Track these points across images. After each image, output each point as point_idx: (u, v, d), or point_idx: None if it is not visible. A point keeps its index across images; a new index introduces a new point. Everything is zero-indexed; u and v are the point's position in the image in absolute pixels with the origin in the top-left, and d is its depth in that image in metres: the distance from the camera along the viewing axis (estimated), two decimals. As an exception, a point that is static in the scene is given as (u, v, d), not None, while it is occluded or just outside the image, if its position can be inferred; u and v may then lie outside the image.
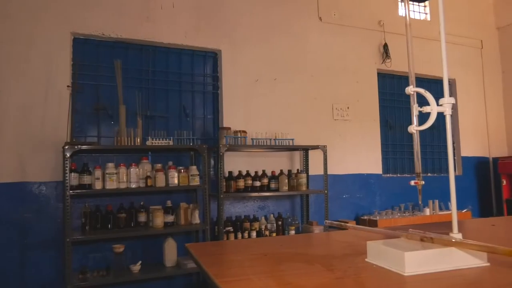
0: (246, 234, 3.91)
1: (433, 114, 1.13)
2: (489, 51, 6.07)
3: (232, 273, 1.14)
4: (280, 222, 4.13)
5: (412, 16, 5.61)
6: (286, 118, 4.45)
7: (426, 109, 1.14)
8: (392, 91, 5.28)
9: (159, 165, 3.57)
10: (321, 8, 4.82)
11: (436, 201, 4.95)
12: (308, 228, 4.08)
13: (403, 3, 5.46)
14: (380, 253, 1.14)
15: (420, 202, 1.18)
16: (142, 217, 3.52)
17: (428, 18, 5.69)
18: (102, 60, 3.78)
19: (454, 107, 5.76)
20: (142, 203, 3.57)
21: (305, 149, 4.38)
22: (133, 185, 3.39)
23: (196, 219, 3.67)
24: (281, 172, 4.16)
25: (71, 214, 3.12)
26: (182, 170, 3.64)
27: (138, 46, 3.96)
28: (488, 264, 1.08)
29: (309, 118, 4.58)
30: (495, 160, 5.69)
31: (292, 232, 4.09)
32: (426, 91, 1.16)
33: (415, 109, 1.16)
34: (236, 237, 3.86)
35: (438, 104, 1.16)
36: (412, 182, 1.17)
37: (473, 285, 0.94)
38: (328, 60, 4.79)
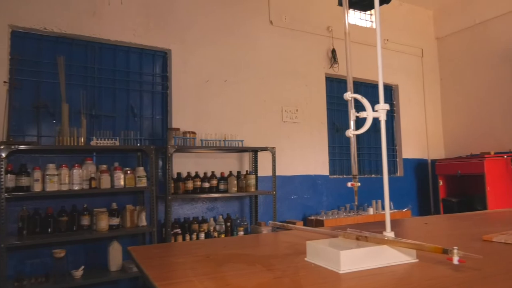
0: (194, 236, 3.89)
1: (369, 119, 1.19)
2: (428, 59, 6.44)
3: (173, 275, 1.13)
4: (229, 223, 4.14)
5: (359, 23, 5.83)
6: (236, 120, 4.47)
7: (362, 114, 1.20)
8: (340, 95, 5.46)
9: (104, 166, 3.46)
10: (272, 12, 4.89)
11: (380, 201, 5.17)
12: (256, 229, 4.12)
13: (351, 11, 5.66)
14: (318, 252, 1.19)
15: (356, 203, 1.23)
16: (85, 220, 3.39)
17: (374, 26, 5.94)
18: (44, 56, 3.61)
19: (397, 112, 6.07)
20: (85, 205, 3.44)
21: (254, 151, 4.43)
22: (76, 187, 3.26)
23: (143, 222, 3.60)
24: (230, 174, 4.17)
25: (6, 218, 2.95)
26: (129, 172, 3.55)
27: (83, 42, 3.82)
28: (417, 260, 1.15)
29: (258, 120, 4.63)
30: (433, 162, 6.04)
31: (241, 233, 4.12)
32: (363, 98, 1.21)
33: (353, 114, 1.22)
34: (184, 239, 3.82)
35: (374, 110, 1.21)
36: (349, 184, 1.22)
37: (402, 280, 1.00)
38: (278, 63, 4.87)
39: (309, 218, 4.73)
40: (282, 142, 4.73)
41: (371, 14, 5.95)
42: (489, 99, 5.76)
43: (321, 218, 4.58)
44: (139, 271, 1.24)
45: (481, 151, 5.59)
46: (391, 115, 6.09)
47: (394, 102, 6.08)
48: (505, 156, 5.38)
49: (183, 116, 4.18)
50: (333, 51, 5.22)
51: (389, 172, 5.95)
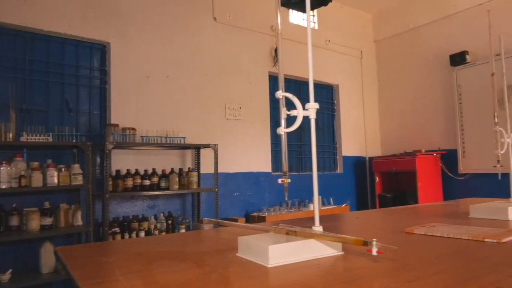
0: (134, 235, 3.80)
1: (299, 118, 1.23)
2: (367, 61, 6.72)
3: (100, 275, 1.10)
4: (170, 221, 4.09)
5: (301, 23, 5.96)
6: (178, 116, 4.41)
7: (293, 112, 1.23)
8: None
9: (36, 164, 3.29)
10: (216, 8, 4.87)
11: (320, 197, 5.33)
12: (198, 226, 4.10)
13: (294, 11, 5.78)
14: (249, 248, 1.21)
15: (286, 199, 1.27)
16: (14, 221, 3.20)
17: (316, 27, 6.11)
18: (-33, 45, 3.35)
19: (337, 111, 6.28)
20: (14, 205, 3.24)
21: (197, 148, 4.40)
22: (4, 186, 3.07)
23: (78, 221, 3.46)
24: (172, 171, 4.12)
25: None
26: (63, 169, 3.39)
27: (13, 31, 3.59)
28: (342, 253, 1.20)
29: (201, 116, 4.60)
30: (371, 159, 6.33)
31: (183, 230, 4.08)
32: (294, 96, 1.25)
33: (284, 113, 1.25)
34: (123, 238, 3.72)
35: (304, 108, 1.25)
36: (279, 180, 1.25)
37: (325, 271, 1.04)
38: (222, 60, 4.87)
39: (252, 214, 4.78)
40: (225, 139, 4.74)
41: (313, 15, 6.10)
42: (422, 100, 6.13)
43: (263, 215, 4.64)
44: (65, 272, 1.20)
45: (414, 149, 5.95)
46: (332, 114, 6.29)
47: (335, 102, 6.30)
48: (435, 154, 5.76)
49: (123, 111, 4.06)
50: (276, 49, 5.29)
51: (330, 169, 6.16)
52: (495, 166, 1.96)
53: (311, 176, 1.24)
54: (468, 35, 5.47)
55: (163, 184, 4.02)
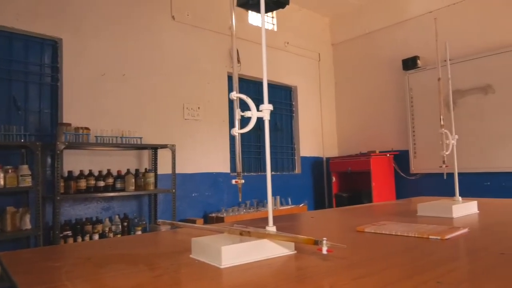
0: (87, 238, 3.67)
1: (253, 119, 1.24)
2: (325, 63, 6.87)
3: (45, 280, 1.06)
4: (126, 223, 4.00)
5: (260, 25, 5.99)
6: (134, 116, 4.32)
7: (247, 113, 1.24)
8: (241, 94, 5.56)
9: (-21, 164, 3.11)
10: (174, 7, 4.81)
11: (278, 197, 5.39)
12: (155, 227, 4.03)
13: (253, 12, 5.81)
14: (203, 249, 1.20)
15: (240, 200, 1.28)
16: (-46, 225, 3.01)
17: (275, 29, 6.17)
18: None
19: (295, 112, 6.37)
20: (-46, 208, 3.05)
21: (154, 148, 4.32)
22: None
23: (27, 225, 3.31)
24: (128, 172, 4.02)
25: None
26: (10, 170, 3.24)
27: (-46, 24, 3.38)
28: (295, 252, 1.22)
29: (159, 116, 4.53)
30: (328, 159, 6.47)
31: (139, 232, 3.99)
32: (248, 98, 1.25)
33: (238, 114, 1.25)
34: (75, 241, 3.59)
35: (258, 110, 1.26)
36: (233, 181, 1.25)
37: (277, 271, 1.06)
38: (181, 59, 4.81)
39: (210, 215, 4.76)
40: (183, 140, 4.69)
41: (272, 17, 6.16)
42: (376, 103, 6.34)
43: (221, 215, 4.63)
44: (7, 278, 1.14)
45: (369, 150, 6.14)
46: (291, 115, 6.38)
47: (293, 103, 6.39)
48: (388, 155, 5.97)
49: (76, 110, 3.92)
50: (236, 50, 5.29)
51: (288, 169, 6.23)
52: (441, 167, 2.06)
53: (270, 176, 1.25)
54: (419, 41, 5.71)
55: (118, 185, 3.92)
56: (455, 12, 5.41)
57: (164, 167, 4.41)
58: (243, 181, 1.26)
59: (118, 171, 3.97)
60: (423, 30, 5.65)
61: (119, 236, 3.88)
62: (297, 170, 6.35)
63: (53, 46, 3.96)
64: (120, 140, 3.96)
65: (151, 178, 4.11)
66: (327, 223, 2.03)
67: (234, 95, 1.25)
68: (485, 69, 5.04)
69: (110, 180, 3.89)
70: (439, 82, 2.12)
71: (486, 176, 5.06)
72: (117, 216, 3.99)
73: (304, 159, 6.38)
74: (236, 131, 1.24)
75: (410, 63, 5.78)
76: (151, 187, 4.10)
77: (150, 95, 4.48)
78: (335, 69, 7.04)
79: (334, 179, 6.23)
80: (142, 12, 4.52)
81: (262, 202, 5.25)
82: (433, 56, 5.66)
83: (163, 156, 4.41)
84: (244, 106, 1.25)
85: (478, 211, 2.05)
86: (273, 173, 5.89)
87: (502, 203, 2.49)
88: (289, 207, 5.48)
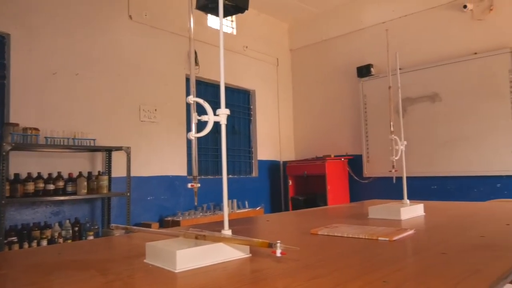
0: (35, 244, 3.51)
1: (209, 123, 1.24)
2: (283, 68, 6.98)
3: (-12, 289, 1.01)
4: (77, 228, 3.86)
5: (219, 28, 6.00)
6: (88, 117, 4.19)
7: (204, 118, 1.24)
8: (199, 97, 5.53)
9: None
10: (131, 6, 4.72)
11: (235, 200, 5.40)
12: (108, 232, 3.91)
13: (212, 15, 5.80)
14: (157, 253, 1.19)
15: (196, 204, 1.27)
16: None
17: (234, 33, 6.19)
18: None
19: (253, 115, 6.42)
20: None
21: (108, 150, 4.21)
22: None
23: (-32, 230, 3.11)
24: (80, 174, 3.89)
25: None
26: (-50, 172, 3.03)
27: None
28: (250, 255, 1.24)
29: (114, 118, 4.41)
30: (285, 163, 6.56)
31: (91, 237, 3.87)
32: (205, 102, 1.26)
33: (194, 117, 1.25)
34: (22, 248, 3.43)
35: (215, 114, 1.27)
36: (189, 185, 1.25)
37: (232, 274, 1.07)
38: (137, 60, 4.72)
39: (166, 219, 4.69)
40: (139, 142, 4.60)
41: (232, 21, 6.18)
42: (332, 108, 6.51)
43: (177, 219, 4.58)
44: None
45: (324, 154, 6.29)
46: (249, 119, 6.42)
47: (252, 106, 6.43)
48: (342, 159, 6.14)
49: (24, 110, 3.75)
50: (194, 53, 5.26)
51: (245, 173, 6.26)
52: (391, 171, 2.15)
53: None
54: (373, 50, 5.94)
55: (69, 189, 3.78)
56: (406, 24, 5.67)
57: (118, 170, 4.30)
58: (199, 185, 1.26)
59: (70, 174, 3.83)
60: (377, 39, 5.88)
61: (69, 241, 3.74)
62: (255, 173, 6.39)
63: (0, 42, 3.77)
64: (72, 141, 3.83)
65: (104, 181, 3.99)
66: (282, 226, 2.06)
67: (191, 99, 1.25)
68: (433, 79, 5.32)
69: (61, 183, 3.74)
70: (390, 90, 2.22)
71: (433, 180, 5.33)
72: (67, 221, 3.85)
73: (261, 162, 6.43)
74: (193, 135, 1.24)
75: (364, 71, 5.99)
76: (105, 191, 3.98)
77: (105, 96, 4.36)
78: (293, 74, 7.16)
79: (290, 182, 6.33)
80: (98, 9, 4.40)
81: (219, 205, 5.23)
82: (385, 65, 5.92)
83: (118, 159, 4.30)
84: (202, 110, 1.26)
85: (424, 213, 2.16)
86: (230, 176, 5.89)
87: (446, 206, 2.64)
88: (246, 210, 5.50)
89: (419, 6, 5.57)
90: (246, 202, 5.58)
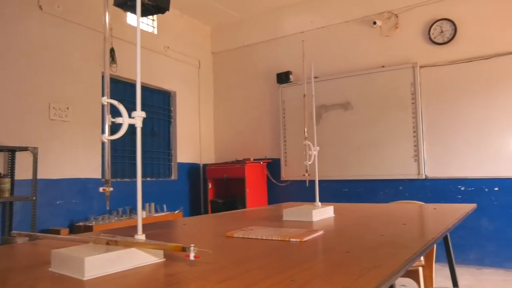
0: None
1: (124, 126, 1.21)
2: (205, 71, 6.97)
3: None
4: (-28, 236, 3.48)
5: (141, 27, 5.83)
6: (-12, 114, 3.81)
7: (118, 120, 1.21)
8: (117, 97, 5.31)
9: None
10: (42, -4, 4.40)
11: (153, 204, 5.27)
12: (9, 240, 3.59)
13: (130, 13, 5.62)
14: (64, 261, 1.13)
15: (108, 208, 1.24)
16: None
17: (155, 32, 6.05)
18: None
19: (173, 117, 6.32)
20: None
21: (11, 150, 3.87)
22: None
23: None
24: (-23, 177, 3.53)
25: None
26: None
27: None
28: (164, 259, 1.23)
29: (18, 115, 4.08)
30: (205, 166, 6.55)
31: (-11, 246, 3.51)
32: (120, 104, 1.23)
33: (108, 120, 1.21)
34: None
35: (131, 116, 1.24)
36: (101, 189, 1.21)
37: (144, 279, 1.05)
38: (48, 54, 4.41)
39: (77, 224, 4.42)
40: (49, 142, 4.29)
41: (153, 20, 6.04)
42: (253, 112, 6.65)
43: (90, 224, 4.35)
44: None
45: (244, 157, 6.39)
46: (169, 121, 6.31)
47: (172, 108, 6.33)
48: (262, 162, 6.29)
49: None
50: (112, 50, 5.05)
51: (164, 176, 6.14)
52: (304, 175, 2.26)
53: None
54: (291, 58, 6.18)
55: (-37, 193, 3.41)
56: (323, 35, 5.99)
57: (23, 172, 3.97)
58: (111, 189, 1.22)
59: (-36, 176, 3.46)
60: (295, 48, 6.12)
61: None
62: (174, 176, 6.29)
63: None
64: (-32, 140, 3.46)
65: (6, 184, 3.66)
66: (199, 229, 2.06)
67: (105, 100, 1.21)
68: (346, 88, 5.68)
69: (-47, 187, 3.37)
70: (305, 98, 2.33)
71: (345, 183, 5.68)
72: (-40, 228, 3.47)
73: (181, 165, 6.35)
74: (106, 137, 1.20)
75: (283, 77, 6.20)
76: (6, 194, 3.65)
77: (8, 91, 4.01)
78: (215, 77, 7.19)
79: (210, 185, 6.33)
80: (3, -3, 4.04)
81: (136, 209, 5.06)
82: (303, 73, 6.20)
83: (23, 160, 3.97)
84: (118, 111, 1.22)
85: (334, 215, 2.30)
86: (148, 179, 5.73)
87: (354, 208, 2.84)
88: (164, 214, 5.39)
89: (335, 19, 5.92)
90: (165, 206, 5.46)
